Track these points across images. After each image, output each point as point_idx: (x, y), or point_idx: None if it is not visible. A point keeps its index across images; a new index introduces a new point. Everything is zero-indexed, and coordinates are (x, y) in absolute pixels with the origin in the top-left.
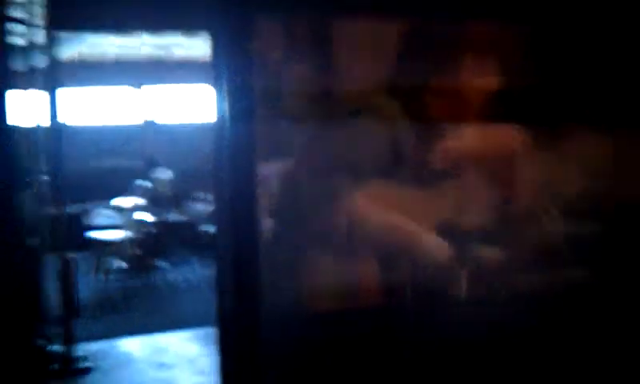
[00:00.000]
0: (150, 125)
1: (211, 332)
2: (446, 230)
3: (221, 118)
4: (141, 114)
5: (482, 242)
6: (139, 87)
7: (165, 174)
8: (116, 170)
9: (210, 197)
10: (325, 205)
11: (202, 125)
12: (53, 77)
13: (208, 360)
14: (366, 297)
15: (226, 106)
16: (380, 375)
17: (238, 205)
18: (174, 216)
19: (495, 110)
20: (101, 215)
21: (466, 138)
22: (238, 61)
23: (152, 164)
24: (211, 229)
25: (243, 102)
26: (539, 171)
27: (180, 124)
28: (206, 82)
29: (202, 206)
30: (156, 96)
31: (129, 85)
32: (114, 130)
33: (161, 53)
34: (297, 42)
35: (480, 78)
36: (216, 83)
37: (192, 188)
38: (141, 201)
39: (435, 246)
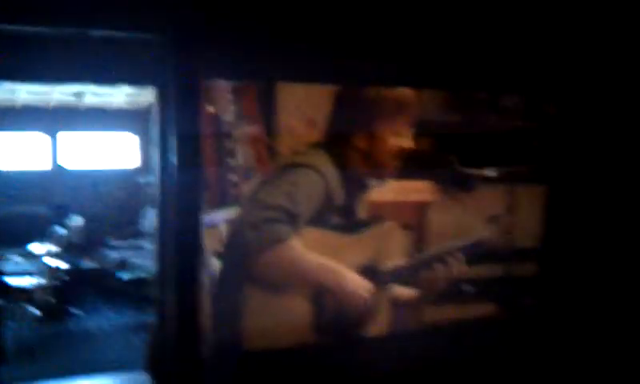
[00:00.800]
0: (60, 170)
1: (132, 377)
2: (368, 271)
3: (166, 167)
4: (52, 159)
5: (398, 281)
6: (50, 133)
7: (77, 220)
8: (26, 216)
9: (122, 243)
10: (266, 249)
11: (115, 171)
12: None
13: None
14: (301, 335)
15: (172, 156)
16: None
17: (183, 249)
18: (87, 263)
19: (411, 165)
20: (12, 262)
21: (386, 190)
22: (186, 116)
23: (62, 210)
24: (124, 276)
25: (189, 153)
26: (447, 220)
27: (92, 170)
28: (119, 130)
29: (115, 253)
30: (68, 142)
31: (40, 131)
32: (24, 175)
33: (73, 100)
34: (244, 102)
35: (397, 139)
36: (162, 134)
37: (105, 235)
38: (54, 247)
39: (359, 285)
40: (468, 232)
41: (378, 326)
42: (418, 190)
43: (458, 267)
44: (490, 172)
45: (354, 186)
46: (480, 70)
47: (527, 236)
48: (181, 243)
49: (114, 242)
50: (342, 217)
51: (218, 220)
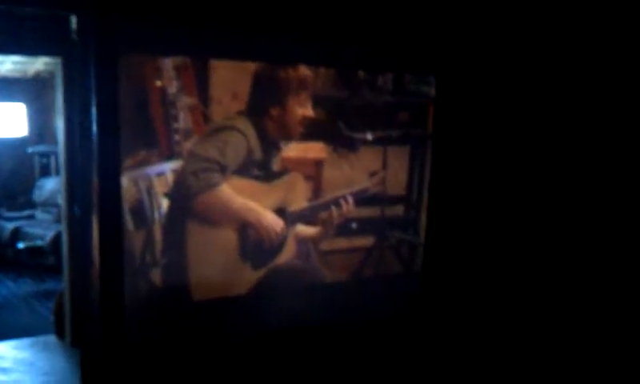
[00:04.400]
0: None
1: (43, 340)
2: (279, 212)
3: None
4: None
5: (302, 220)
6: None
7: None
8: None
9: (14, 214)
10: (202, 192)
11: (2, 141)
12: None
13: (47, 363)
14: (229, 260)
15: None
16: None
17: (105, 209)
18: None
19: (311, 130)
20: None
21: (293, 149)
22: (105, 87)
23: None
24: (20, 245)
25: (108, 120)
26: (338, 173)
27: None
28: (6, 99)
29: (8, 223)
30: None
31: None
32: None
33: None
34: (184, 78)
35: (300, 109)
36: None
37: None
38: None
39: (273, 222)
40: (354, 182)
41: (286, 255)
42: (315, 149)
43: (347, 209)
44: (369, 136)
45: (269, 144)
46: (360, 53)
47: (396, 185)
48: (103, 204)
49: (7, 213)
50: (260, 169)
51: (165, 169)
